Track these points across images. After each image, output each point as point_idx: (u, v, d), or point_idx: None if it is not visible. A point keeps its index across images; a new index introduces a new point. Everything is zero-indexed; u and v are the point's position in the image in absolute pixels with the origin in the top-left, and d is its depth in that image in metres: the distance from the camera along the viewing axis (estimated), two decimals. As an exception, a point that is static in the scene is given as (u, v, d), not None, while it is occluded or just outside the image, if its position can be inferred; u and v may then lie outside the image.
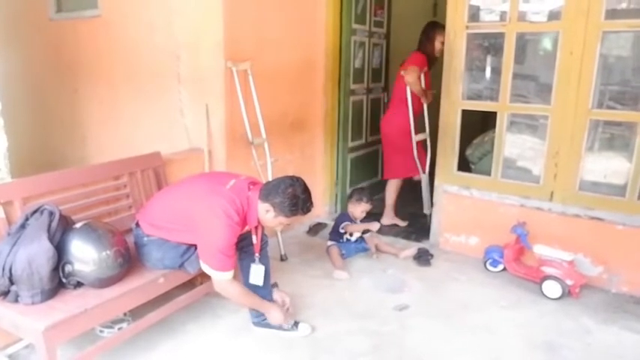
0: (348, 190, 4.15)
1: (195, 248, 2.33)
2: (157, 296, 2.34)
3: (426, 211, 4.06)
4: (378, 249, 3.52)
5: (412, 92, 3.81)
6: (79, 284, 2.14)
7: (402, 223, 4.10)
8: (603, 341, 2.53)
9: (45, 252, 2.02)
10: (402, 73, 3.83)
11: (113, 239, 2.19)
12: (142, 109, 3.55)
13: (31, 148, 4.35)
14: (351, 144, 4.38)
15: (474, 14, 3.36)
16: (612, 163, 3.22)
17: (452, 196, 3.56)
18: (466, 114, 3.47)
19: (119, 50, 3.57)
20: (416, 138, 3.91)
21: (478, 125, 4.86)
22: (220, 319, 2.67)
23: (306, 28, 3.83)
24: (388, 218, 4.13)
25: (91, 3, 3.66)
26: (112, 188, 2.68)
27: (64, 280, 2.10)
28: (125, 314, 2.44)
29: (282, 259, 3.41)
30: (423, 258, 3.40)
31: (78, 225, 2.17)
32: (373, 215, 3.62)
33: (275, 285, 2.72)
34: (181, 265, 2.37)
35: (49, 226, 2.09)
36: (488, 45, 3.59)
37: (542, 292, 2.95)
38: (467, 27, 3.33)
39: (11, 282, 2.00)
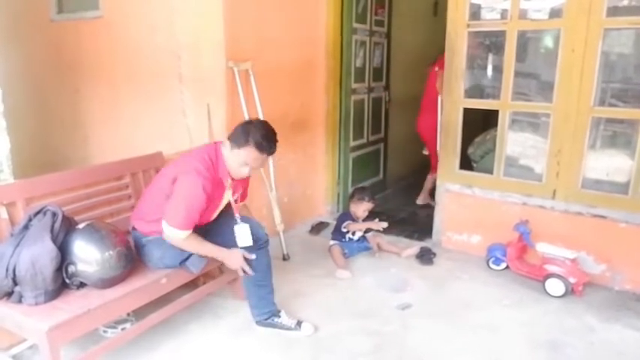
0: (350, 190, 4.15)
1: None
2: (160, 296, 2.34)
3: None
4: (380, 248, 3.52)
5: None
6: (82, 285, 2.14)
7: (434, 203, 4.09)
8: (606, 339, 2.52)
9: (48, 253, 2.02)
10: (436, 69, 3.85)
11: (116, 240, 2.20)
12: (143, 109, 3.55)
13: (32, 148, 4.36)
14: (352, 143, 4.38)
15: (475, 12, 3.36)
16: (615, 161, 3.21)
17: (454, 194, 3.56)
18: (468, 112, 3.47)
19: (120, 50, 3.57)
20: None
21: (480, 124, 4.87)
22: (222, 319, 2.67)
23: (307, 28, 3.83)
24: (422, 199, 4.60)
25: (92, 4, 3.67)
26: (115, 189, 2.68)
27: (67, 281, 2.11)
28: (128, 314, 2.44)
29: (285, 258, 3.41)
30: (426, 257, 3.40)
31: (81, 225, 2.18)
32: (375, 214, 3.62)
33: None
34: (182, 263, 2.36)
35: (52, 226, 2.10)
36: (489, 43, 3.58)
37: (545, 290, 2.95)
38: (468, 25, 3.32)
39: (15, 283, 2.01)
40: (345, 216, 3.52)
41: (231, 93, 3.16)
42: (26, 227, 2.11)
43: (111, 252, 2.14)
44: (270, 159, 3.36)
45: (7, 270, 2.00)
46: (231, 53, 3.12)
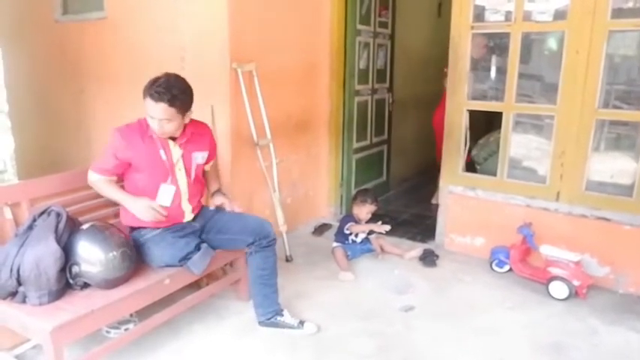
0: (353, 191, 4.15)
1: (197, 246, 2.35)
2: (163, 297, 2.34)
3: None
4: (383, 250, 3.52)
5: None
6: (85, 285, 2.15)
7: None
8: (610, 342, 2.51)
9: (52, 253, 2.03)
10: None
11: (120, 240, 2.21)
12: (147, 110, 3.55)
13: (36, 149, 4.38)
14: (355, 145, 4.37)
15: (479, 14, 3.35)
16: (619, 163, 3.20)
17: (457, 196, 3.55)
18: (471, 114, 3.46)
19: (125, 51, 3.58)
20: None
21: (483, 126, 4.86)
22: (225, 319, 2.67)
23: (310, 29, 3.83)
24: (437, 198, 4.35)
25: (96, 5, 3.68)
26: (118, 189, 2.68)
27: (71, 281, 2.11)
28: (131, 315, 2.44)
29: (288, 259, 3.41)
30: (429, 259, 3.39)
31: (85, 226, 2.19)
32: (378, 216, 3.62)
33: (218, 191, 2.69)
34: (182, 261, 2.34)
35: (57, 227, 2.11)
36: (493, 45, 3.58)
37: (548, 293, 2.94)
38: (472, 27, 3.32)
39: (19, 283, 2.02)
40: (348, 218, 3.52)
41: (235, 94, 3.16)
42: (30, 227, 2.12)
43: (114, 253, 2.14)
44: (275, 161, 3.39)
45: (11, 270, 2.01)
46: (235, 55, 3.12)
